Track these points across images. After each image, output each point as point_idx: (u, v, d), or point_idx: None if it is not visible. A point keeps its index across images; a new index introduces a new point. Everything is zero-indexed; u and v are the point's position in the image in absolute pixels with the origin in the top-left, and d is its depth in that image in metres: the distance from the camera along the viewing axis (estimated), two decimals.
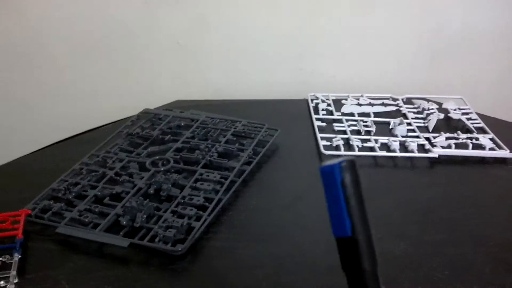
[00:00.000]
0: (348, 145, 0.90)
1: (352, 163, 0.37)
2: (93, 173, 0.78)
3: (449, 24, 1.14)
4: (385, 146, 0.91)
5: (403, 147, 0.90)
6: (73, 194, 0.73)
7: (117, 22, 1.09)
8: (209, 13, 1.10)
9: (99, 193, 0.73)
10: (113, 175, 0.78)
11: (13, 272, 0.59)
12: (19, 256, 0.62)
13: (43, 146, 0.94)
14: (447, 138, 0.92)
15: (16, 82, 1.13)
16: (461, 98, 1.08)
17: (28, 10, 1.06)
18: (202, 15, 1.10)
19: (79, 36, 1.10)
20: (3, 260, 0.61)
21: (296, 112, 1.07)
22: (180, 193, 0.73)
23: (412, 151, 0.88)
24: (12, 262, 0.60)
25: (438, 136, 0.93)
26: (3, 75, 1.12)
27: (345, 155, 0.85)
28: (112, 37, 1.11)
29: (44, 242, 0.67)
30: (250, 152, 0.84)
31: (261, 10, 1.10)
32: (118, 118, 1.03)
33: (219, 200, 0.72)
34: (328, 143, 0.90)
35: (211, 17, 1.11)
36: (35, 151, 0.91)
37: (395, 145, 0.89)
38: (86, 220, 0.68)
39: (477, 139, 0.92)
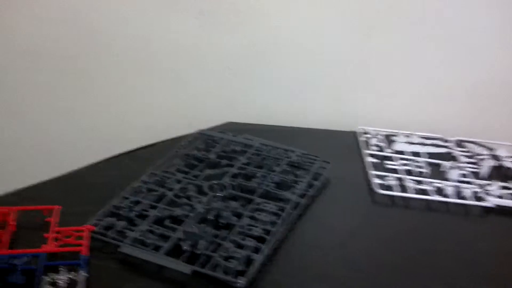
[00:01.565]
0: (401, 185, 0.90)
1: None
2: (153, 193, 0.80)
3: (504, 70, 1.13)
4: (438, 190, 0.90)
5: (456, 192, 0.90)
6: (135, 213, 0.74)
7: (172, 43, 1.11)
8: (261, 41, 1.11)
9: (160, 214, 0.74)
10: (172, 197, 0.78)
11: None
12: (87, 275, 0.62)
13: (95, 160, 0.95)
14: (500, 187, 0.91)
15: (70, 96, 1.15)
16: None
17: (97, 24, 1.09)
18: (254, 42, 1.11)
19: (135, 55, 1.12)
20: (70, 277, 0.62)
21: (345, 144, 1.07)
22: (238, 221, 0.74)
23: (466, 198, 0.88)
24: (78, 279, 0.61)
25: (491, 184, 0.92)
26: (59, 91, 1.15)
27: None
28: (167, 57, 1.12)
29: (105, 260, 0.68)
30: (305, 184, 0.85)
31: (313, 39, 1.11)
32: (168, 137, 1.04)
33: (277, 233, 0.73)
34: (382, 182, 0.90)
35: (263, 45, 1.12)
36: (90, 165, 0.92)
37: (450, 190, 0.89)
38: (148, 241, 0.69)
39: None
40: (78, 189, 0.85)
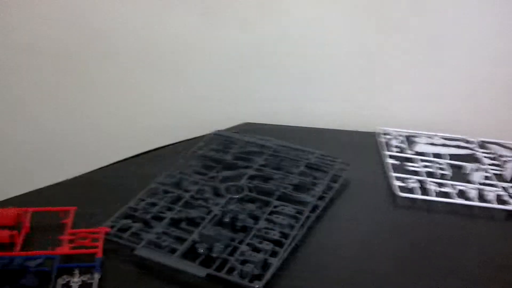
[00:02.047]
0: (422, 188, 0.88)
1: None
2: (169, 194, 0.79)
3: None
4: (461, 193, 0.88)
5: (480, 195, 0.87)
6: (151, 214, 0.73)
7: (179, 41, 1.10)
8: (277, 39, 1.10)
9: (176, 216, 0.73)
10: (189, 198, 0.77)
11: None
12: (99, 277, 0.61)
13: (111, 161, 0.94)
14: None
15: (72, 95, 1.14)
16: None
17: (98, 25, 1.08)
18: (271, 41, 1.10)
19: (141, 54, 1.10)
20: (84, 279, 0.61)
21: (364, 145, 1.05)
22: (255, 224, 0.72)
23: (490, 201, 0.85)
24: (92, 282, 0.60)
25: None
26: (61, 90, 1.14)
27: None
28: (179, 55, 1.11)
29: (120, 262, 0.67)
30: (324, 186, 0.83)
31: (331, 39, 1.09)
32: (184, 137, 1.03)
33: (294, 236, 0.71)
34: (403, 184, 0.88)
35: (280, 44, 1.10)
36: (106, 166, 0.92)
37: (473, 193, 0.86)
38: (164, 244, 0.68)
39: None
40: (94, 190, 0.84)
